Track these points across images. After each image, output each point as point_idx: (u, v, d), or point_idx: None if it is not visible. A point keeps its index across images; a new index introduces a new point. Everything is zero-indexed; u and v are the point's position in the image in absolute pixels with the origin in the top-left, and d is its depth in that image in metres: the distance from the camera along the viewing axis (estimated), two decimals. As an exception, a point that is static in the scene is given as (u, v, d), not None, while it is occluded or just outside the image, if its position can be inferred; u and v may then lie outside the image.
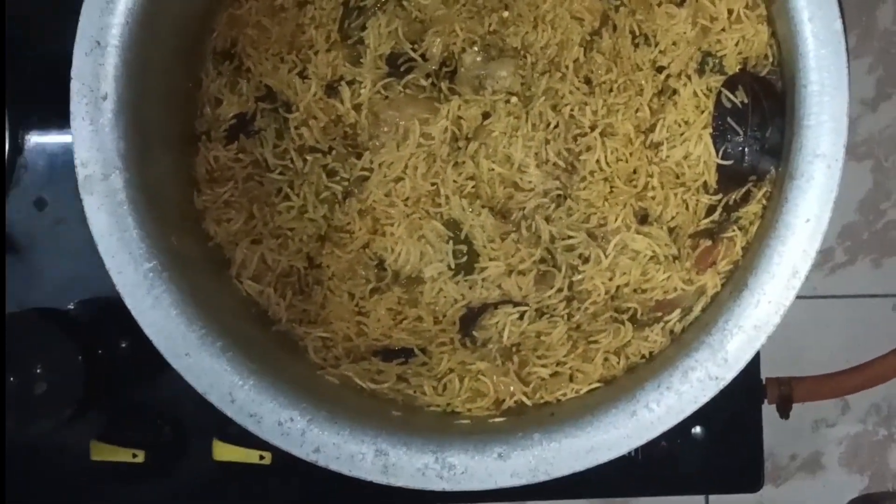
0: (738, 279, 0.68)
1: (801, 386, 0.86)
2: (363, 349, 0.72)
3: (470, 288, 0.74)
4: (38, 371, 0.75)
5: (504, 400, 0.70)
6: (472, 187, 0.74)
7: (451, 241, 0.74)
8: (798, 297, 0.63)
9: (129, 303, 0.64)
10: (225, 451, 0.80)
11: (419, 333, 0.73)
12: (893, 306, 1.38)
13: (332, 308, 0.73)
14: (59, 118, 0.84)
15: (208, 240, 0.72)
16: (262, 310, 0.72)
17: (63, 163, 0.84)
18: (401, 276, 0.75)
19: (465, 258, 0.74)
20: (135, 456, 0.81)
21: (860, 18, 1.34)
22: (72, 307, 0.83)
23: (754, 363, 0.82)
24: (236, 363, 0.64)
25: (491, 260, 0.73)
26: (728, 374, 0.63)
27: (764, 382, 0.85)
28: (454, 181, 0.74)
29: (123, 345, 0.81)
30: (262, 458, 0.80)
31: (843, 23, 0.64)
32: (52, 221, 0.85)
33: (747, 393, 0.84)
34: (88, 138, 0.65)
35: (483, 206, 0.74)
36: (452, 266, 0.74)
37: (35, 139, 0.86)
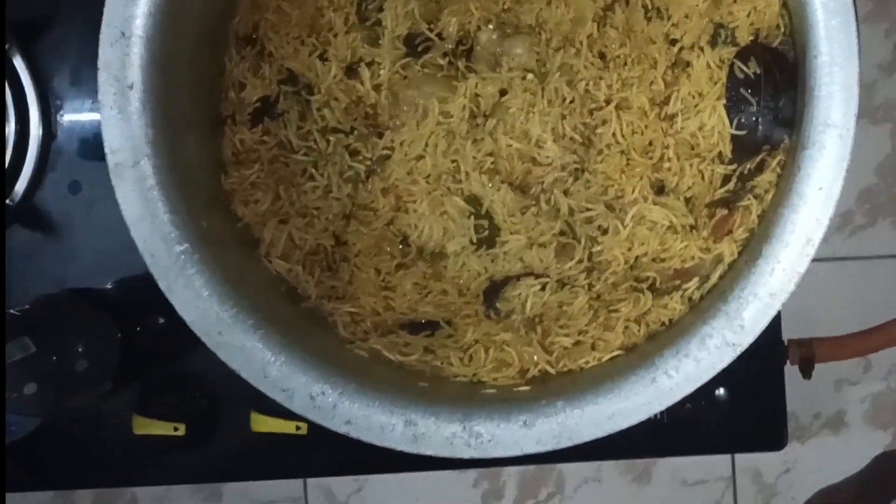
0: (753, 248, 0.68)
1: (823, 347, 0.86)
2: (390, 323, 0.74)
3: (492, 261, 0.75)
4: (80, 350, 0.77)
5: (528, 369, 0.71)
6: (492, 163, 0.75)
7: (472, 217, 0.75)
8: (818, 259, 0.64)
9: (163, 285, 0.66)
10: (262, 423, 0.82)
11: (444, 306, 0.75)
12: (914, 267, 1.38)
13: (360, 284, 0.75)
14: (90, 103, 0.87)
15: (237, 221, 0.74)
16: (291, 287, 0.73)
17: (95, 146, 0.85)
18: (425, 251, 0.76)
19: (486, 232, 0.75)
20: (176, 429, 0.83)
21: (878, -17, 1.33)
22: (109, 287, 0.86)
23: (775, 325, 0.82)
24: (268, 340, 0.65)
25: (512, 234, 0.75)
26: (745, 341, 0.64)
27: (786, 344, 0.86)
28: (473, 157, 0.75)
29: (161, 321, 0.82)
30: (298, 428, 0.82)
31: (853, -8, 0.65)
32: (86, 204, 0.87)
33: (769, 354, 0.85)
34: (117, 127, 0.66)
35: (502, 182, 0.75)
36: (474, 240, 0.75)
37: (67, 124, 0.87)
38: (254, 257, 0.73)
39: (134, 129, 0.66)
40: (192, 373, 0.86)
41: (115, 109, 0.66)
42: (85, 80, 0.87)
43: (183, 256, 0.66)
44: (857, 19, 0.65)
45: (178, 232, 0.66)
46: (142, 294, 0.81)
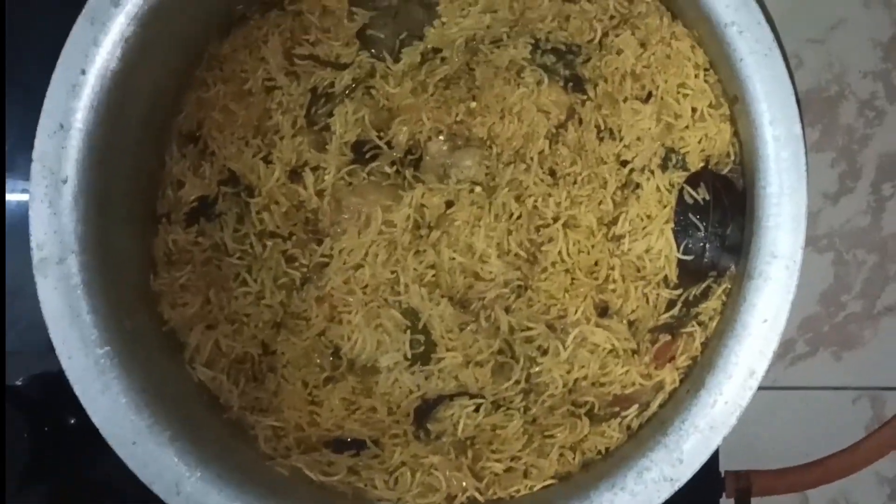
0: (695, 377, 0.67)
1: (760, 480, 0.85)
2: (315, 439, 0.71)
3: (426, 378, 0.72)
4: (-18, 448, 0.74)
5: (456, 496, 0.68)
6: (433, 276, 0.73)
7: (408, 331, 0.73)
8: (759, 387, 0.63)
9: (78, 389, 0.63)
10: (174, 536, 0.78)
11: (372, 424, 0.72)
12: (853, 399, 1.37)
13: (285, 396, 0.72)
14: (20, 190, 0.85)
15: (163, 324, 0.71)
16: (213, 396, 0.70)
17: (17, 232, 0.82)
18: (356, 364, 0.74)
19: (422, 348, 0.73)
20: (79, 538, 0.79)
21: (824, 113, 1.35)
22: (19, 382, 0.82)
23: (713, 455, 0.81)
24: (184, 453, 0.63)
25: (448, 350, 0.72)
26: (683, 476, 0.63)
27: (723, 475, 0.84)
28: (414, 269, 0.73)
29: (72, 421, 0.79)
30: (212, 543, 0.78)
31: (803, 126, 0.65)
32: (7, 295, 0.83)
33: (706, 486, 0.83)
34: (46, 221, 0.64)
35: (442, 296, 0.73)
36: (409, 356, 0.73)
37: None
38: (177, 362, 0.70)
39: (63, 224, 0.65)
40: (100, 478, 0.81)
41: (45, 203, 0.65)
42: (18, 166, 0.85)
43: (103, 360, 0.64)
44: (806, 152, 0.64)
45: (100, 333, 0.64)
46: (55, 392, 0.78)
